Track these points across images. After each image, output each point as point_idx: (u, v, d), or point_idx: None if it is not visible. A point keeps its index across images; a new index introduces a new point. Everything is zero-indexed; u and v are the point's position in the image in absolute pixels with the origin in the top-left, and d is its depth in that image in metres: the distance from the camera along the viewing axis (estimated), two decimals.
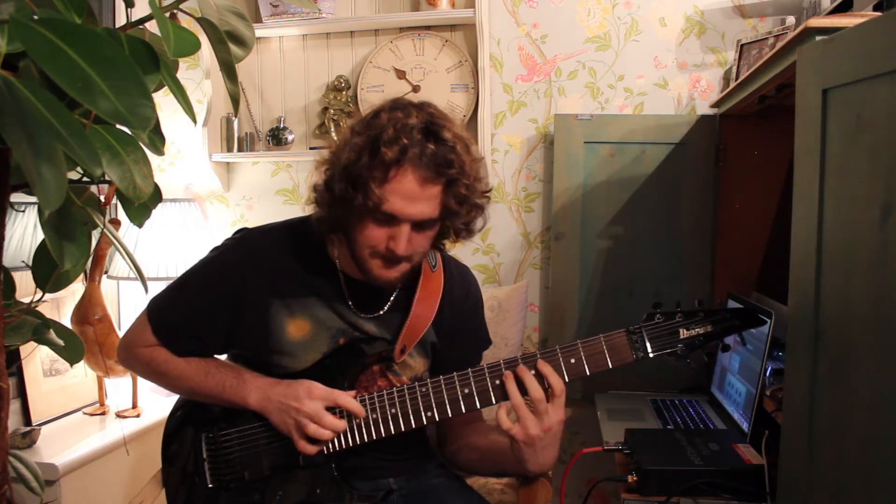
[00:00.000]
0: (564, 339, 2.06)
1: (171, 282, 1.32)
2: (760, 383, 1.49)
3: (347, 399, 1.19)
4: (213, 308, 1.25)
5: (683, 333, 1.18)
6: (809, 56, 1.04)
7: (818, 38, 1.06)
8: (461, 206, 1.15)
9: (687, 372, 1.96)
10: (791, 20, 1.84)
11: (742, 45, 1.92)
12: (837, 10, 1.36)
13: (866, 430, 0.85)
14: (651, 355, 1.17)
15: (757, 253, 1.98)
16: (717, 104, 2.00)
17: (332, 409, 1.19)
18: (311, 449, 1.18)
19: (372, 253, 1.17)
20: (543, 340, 2.26)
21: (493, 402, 1.19)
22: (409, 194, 1.10)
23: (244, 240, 1.29)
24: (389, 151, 1.07)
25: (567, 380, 1.17)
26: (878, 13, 1.12)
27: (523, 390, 1.14)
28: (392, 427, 1.20)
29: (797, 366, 1.05)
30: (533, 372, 1.15)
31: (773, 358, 1.59)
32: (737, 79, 1.83)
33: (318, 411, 1.17)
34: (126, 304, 2.45)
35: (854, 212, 0.89)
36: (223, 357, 1.35)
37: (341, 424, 1.18)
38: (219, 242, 1.33)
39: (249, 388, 1.22)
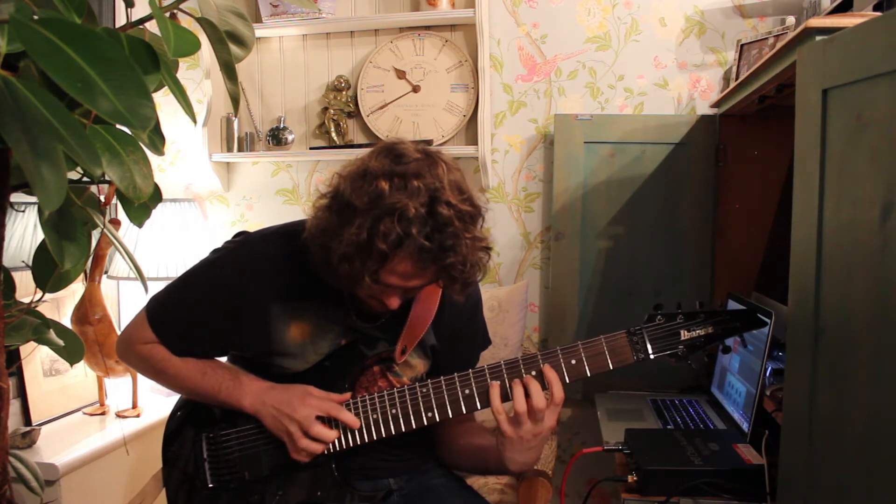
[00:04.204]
0: (564, 339, 2.06)
1: (171, 281, 1.32)
2: (760, 383, 1.49)
3: (341, 411, 1.19)
4: (212, 311, 1.25)
5: (684, 335, 1.18)
6: (809, 56, 1.04)
7: (818, 38, 1.06)
8: (456, 281, 1.13)
9: (687, 372, 1.96)
10: (791, 20, 1.83)
11: (742, 45, 1.91)
12: (837, 10, 1.36)
13: (866, 430, 0.85)
14: (652, 356, 1.18)
15: (757, 253, 1.98)
16: (717, 104, 2.00)
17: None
18: (303, 458, 1.19)
19: (368, 297, 1.19)
20: (543, 340, 2.26)
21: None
22: (405, 275, 1.10)
23: (244, 244, 1.28)
24: (385, 245, 1.05)
25: (568, 381, 1.18)
26: (878, 13, 1.12)
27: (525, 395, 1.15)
28: (392, 427, 1.21)
29: (797, 366, 1.05)
30: (533, 373, 1.16)
31: (773, 358, 1.59)
32: (737, 79, 1.83)
33: (307, 420, 1.17)
34: (126, 304, 2.45)
35: (854, 212, 0.89)
36: (223, 359, 1.35)
37: (331, 435, 1.18)
38: (219, 243, 1.33)
39: (245, 392, 1.22)
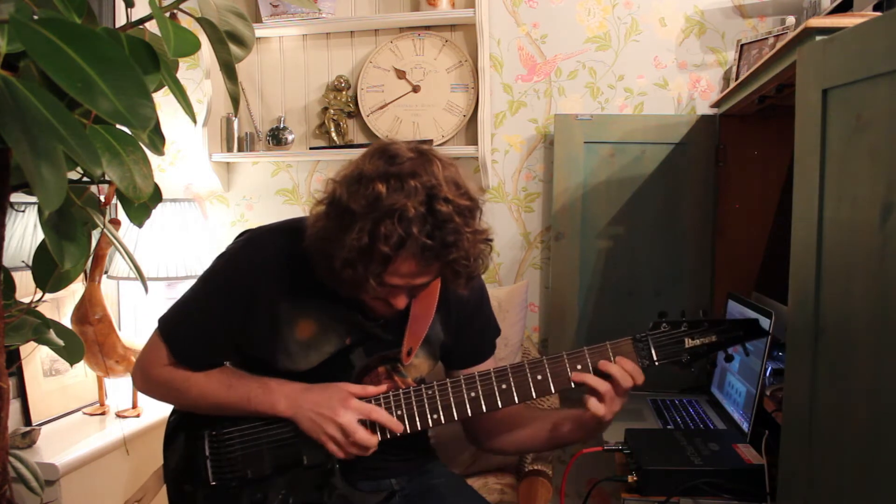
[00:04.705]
0: (564, 339, 2.07)
1: (178, 298, 1.31)
2: (760, 383, 1.49)
3: (381, 413, 1.19)
4: (227, 314, 1.24)
5: (688, 343, 1.20)
6: (809, 56, 1.04)
7: (818, 38, 1.06)
8: (460, 276, 1.14)
9: (687, 373, 1.96)
10: (791, 20, 1.83)
11: (742, 45, 1.91)
12: (837, 10, 1.36)
13: (866, 430, 0.85)
14: (657, 363, 1.20)
15: (757, 253, 1.98)
16: (717, 104, 2.00)
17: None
18: (350, 456, 1.20)
19: (374, 300, 1.19)
20: (543, 340, 2.26)
21: (500, 405, 1.20)
22: (409, 274, 1.10)
23: (249, 241, 1.28)
24: (387, 247, 1.05)
25: (573, 386, 1.20)
26: (878, 13, 1.12)
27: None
28: None
29: (797, 366, 1.05)
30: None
31: (773, 358, 1.59)
32: (737, 79, 1.83)
33: (350, 425, 1.16)
34: (126, 304, 2.45)
35: (854, 212, 0.89)
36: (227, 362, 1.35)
37: (373, 440, 1.18)
38: (221, 244, 1.32)
39: (278, 396, 1.21)
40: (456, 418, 1.20)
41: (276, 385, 1.23)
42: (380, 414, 1.18)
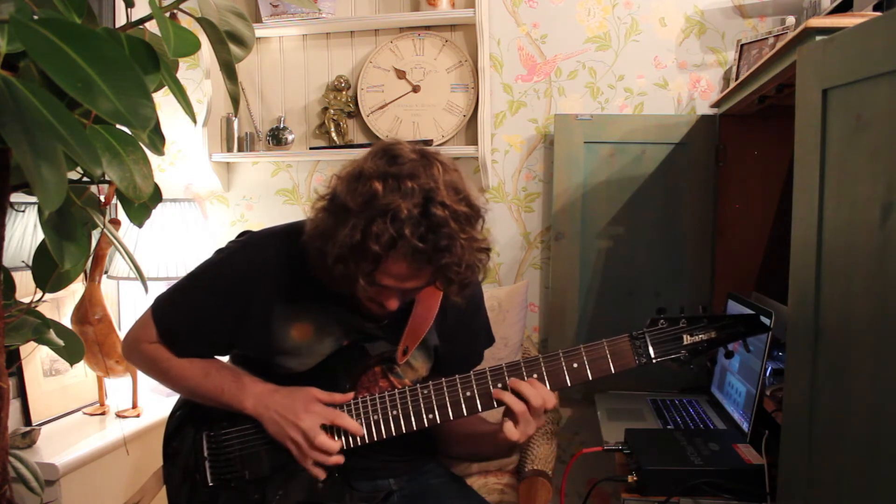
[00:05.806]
0: (564, 338, 2.06)
1: (175, 282, 1.32)
2: (760, 383, 1.49)
3: (345, 419, 1.19)
4: (218, 311, 1.25)
5: (687, 339, 1.18)
6: (809, 56, 1.04)
7: (818, 38, 1.06)
8: (452, 283, 1.13)
9: (687, 371, 1.96)
10: (791, 20, 1.83)
11: (742, 45, 1.91)
12: (837, 10, 1.36)
13: (866, 430, 0.85)
14: (654, 361, 1.18)
15: (757, 253, 1.98)
16: (717, 104, 2.00)
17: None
18: (318, 472, 1.19)
19: (367, 300, 1.19)
20: (543, 340, 2.26)
21: (495, 405, 1.19)
22: (400, 276, 1.10)
23: (249, 243, 1.28)
24: (378, 246, 1.04)
25: (570, 384, 1.19)
26: (878, 13, 1.12)
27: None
28: (393, 429, 1.21)
29: (797, 366, 1.05)
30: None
31: (773, 358, 1.59)
32: (737, 79, 1.83)
33: (312, 430, 1.17)
34: (126, 304, 2.45)
35: (854, 212, 0.89)
36: (225, 358, 1.35)
37: (335, 446, 1.18)
38: (221, 244, 1.33)
39: (247, 394, 1.22)
40: (451, 417, 1.20)
41: (248, 382, 1.23)
42: (342, 419, 1.19)
